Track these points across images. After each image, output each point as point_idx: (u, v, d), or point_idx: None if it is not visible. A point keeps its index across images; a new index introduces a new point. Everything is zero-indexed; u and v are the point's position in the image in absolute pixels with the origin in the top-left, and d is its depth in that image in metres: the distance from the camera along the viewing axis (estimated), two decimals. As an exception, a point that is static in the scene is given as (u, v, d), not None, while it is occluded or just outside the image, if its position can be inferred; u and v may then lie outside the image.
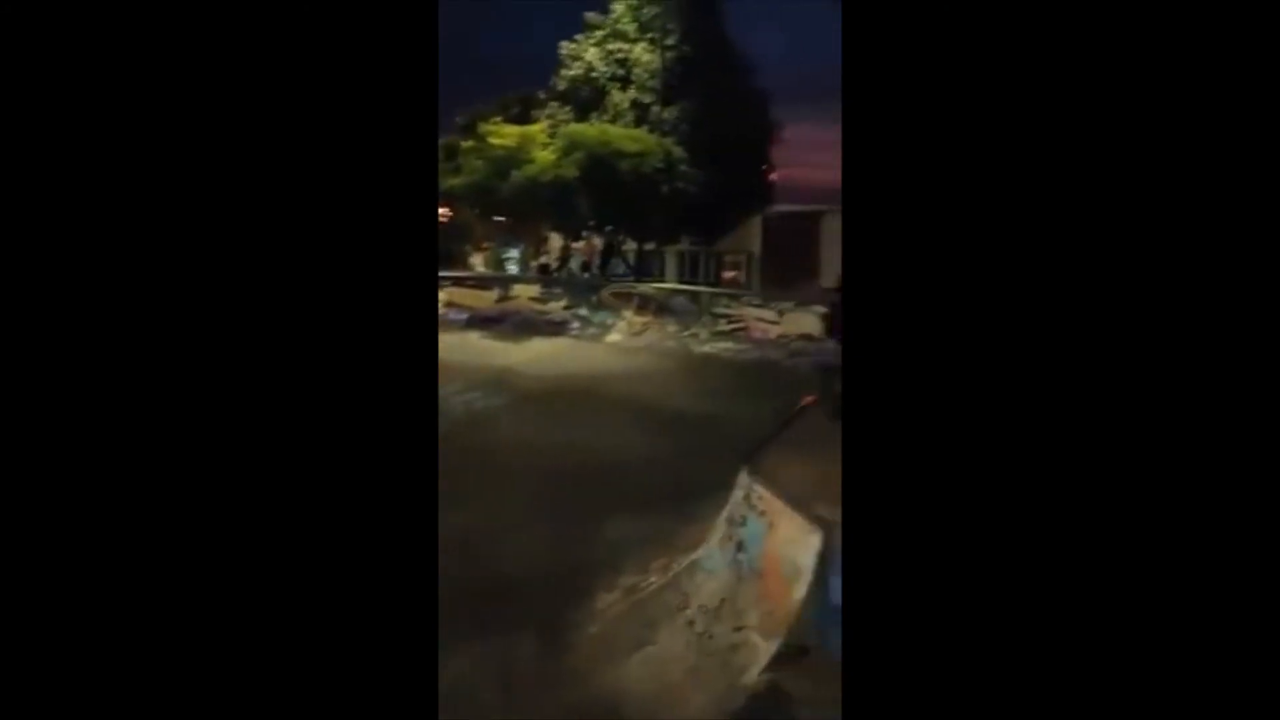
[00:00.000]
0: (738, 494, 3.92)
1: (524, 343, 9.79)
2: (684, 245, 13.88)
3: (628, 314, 10.74)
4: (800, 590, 3.15)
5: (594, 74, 14.43)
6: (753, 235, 14.13)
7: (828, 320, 5.16)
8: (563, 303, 11.19)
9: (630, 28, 14.26)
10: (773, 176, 15.19)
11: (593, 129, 13.39)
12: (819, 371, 5.78)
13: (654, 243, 13.44)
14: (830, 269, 9.47)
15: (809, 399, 5.42)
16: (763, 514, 3.62)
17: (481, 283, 12.26)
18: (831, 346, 5.13)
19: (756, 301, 9.86)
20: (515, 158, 14.06)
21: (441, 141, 15.73)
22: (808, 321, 8.40)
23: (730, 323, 9.75)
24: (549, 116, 15.42)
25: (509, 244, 15.18)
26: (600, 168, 12.49)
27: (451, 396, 6.82)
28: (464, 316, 10.92)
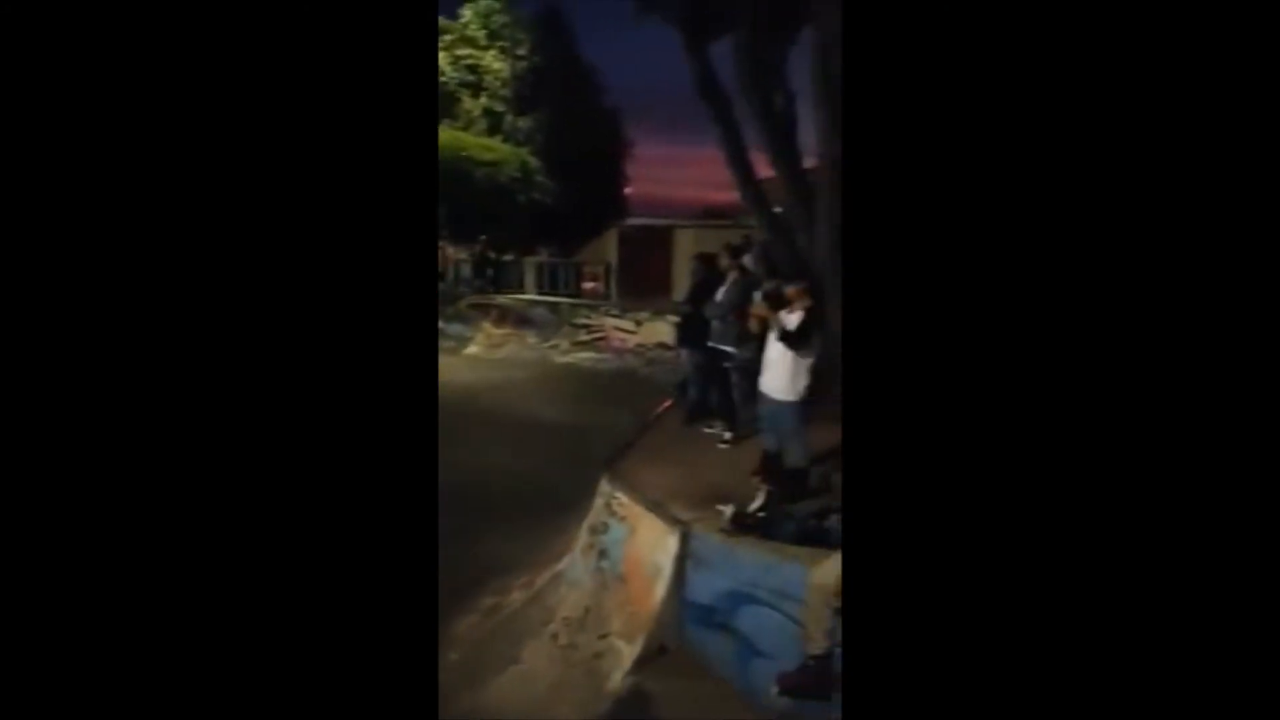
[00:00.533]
0: (599, 501, 3.98)
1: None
2: (542, 256, 13.81)
3: (486, 326, 10.49)
4: (660, 591, 3.26)
5: (442, 79, 13.97)
6: (610, 247, 14.39)
7: (681, 330, 5.38)
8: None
9: (479, 34, 14.00)
10: (627, 190, 15.59)
11: (445, 135, 12.94)
12: (675, 378, 6.01)
13: (512, 254, 13.25)
14: (681, 282, 9.87)
15: (666, 404, 5.62)
16: (623, 519, 3.70)
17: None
18: (685, 355, 5.35)
19: (615, 312, 10.04)
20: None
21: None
22: (664, 331, 8.70)
23: (590, 333, 9.85)
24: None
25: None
26: (454, 175, 12.09)
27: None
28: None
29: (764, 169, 5.58)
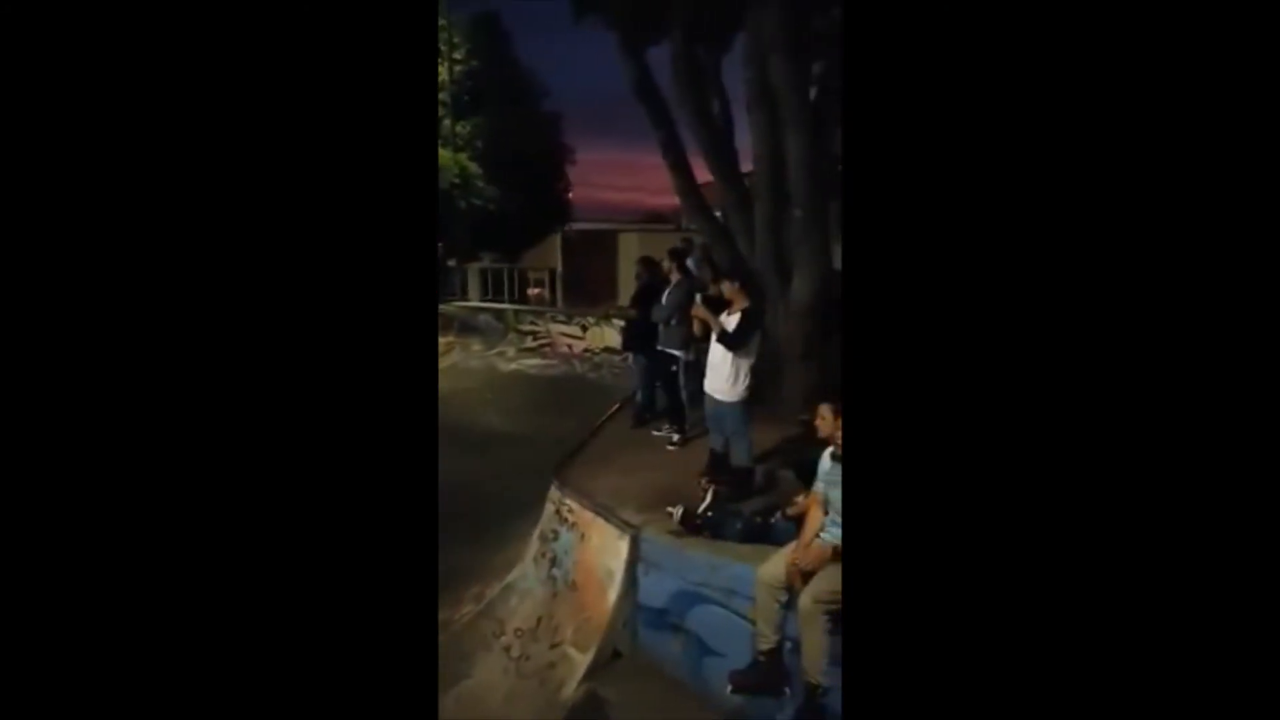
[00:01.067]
0: (549, 509, 3.94)
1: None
2: (485, 263, 13.62)
3: (429, 334, 10.26)
4: (612, 596, 3.26)
5: (378, 83, 13.63)
6: (553, 252, 14.32)
7: (626, 334, 5.40)
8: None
9: (416, 38, 13.72)
10: (569, 195, 15.54)
11: None
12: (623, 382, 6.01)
13: (454, 260, 13.02)
14: (626, 286, 9.90)
15: (612, 409, 5.62)
16: (573, 526, 3.68)
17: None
18: (631, 359, 5.37)
19: (561, 317, 9.98)
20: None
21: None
22: (610, 335, 8.71)
23: (536, 339, 9.76)
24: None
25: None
26: (391, 181, 11.79)
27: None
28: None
29: (704, 173, 5.66)
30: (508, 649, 3.40)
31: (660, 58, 5.46)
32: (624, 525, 3.38)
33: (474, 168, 12.56)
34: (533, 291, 13.81)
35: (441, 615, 3.69)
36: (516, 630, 3.50)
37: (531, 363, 9.39)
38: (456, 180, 12.12)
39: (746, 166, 5.31)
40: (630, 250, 12.26)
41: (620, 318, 7.68)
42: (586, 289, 12.93)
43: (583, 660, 3.14)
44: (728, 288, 3.62)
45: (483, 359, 9.58)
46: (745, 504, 3.37)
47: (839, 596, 2.30)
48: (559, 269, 13.85)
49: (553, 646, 3.32)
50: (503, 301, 11.78)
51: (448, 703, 3.00)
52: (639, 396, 5.23)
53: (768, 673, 2.61)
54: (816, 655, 2.42)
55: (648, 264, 5.25)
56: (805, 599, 2.44)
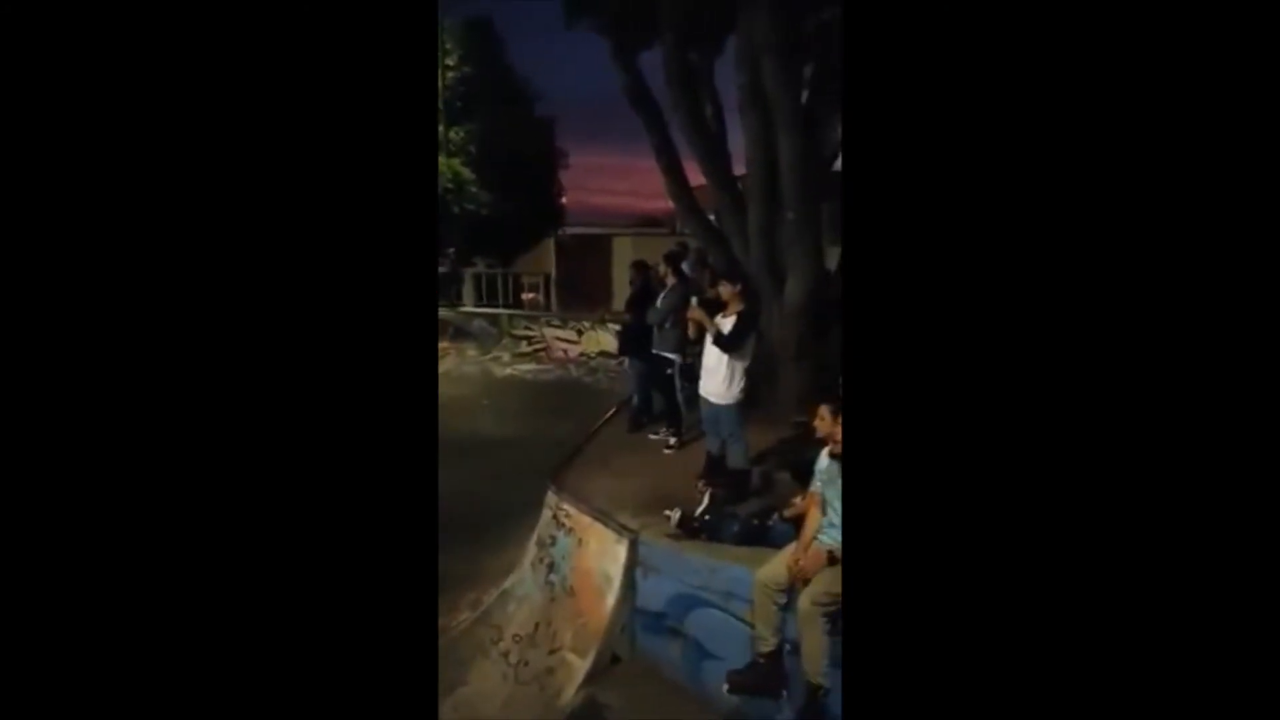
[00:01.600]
0: (546, 514, 3.93)
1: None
2: (480, 268, 13.60)
3: (424, 340, 10.23)
4: (610, 601, 3.24)
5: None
6: (548, 257, 14.32)
7: (621, 338, 5.40)
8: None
9: (408, 44, 13.74)
10: (563, 200, 15.54)
11: None
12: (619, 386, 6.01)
13: (448, 265, 13.01)
14: (621, 290, 9.90)
15: (609, 413, 5.62)
16: (571, 530, 3.67)
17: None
18: (627, 363, 5.37)
19: (556, 322, 9.97)
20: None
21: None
22: (605, 340, 8.70)
23: (531, 344, 9.75)
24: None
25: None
26: (384, 188, 11.79)
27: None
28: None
29: (697, 176, 5.67)
30: (506, 655, 3.39)
31: (653, 61, 5.47)
32: (621, 529, 3.37)
33: (467, 173, 12.56)
34: (527, 296, 13.80)
35: (439, 622, 3.68)
36: (514, 636, 3.48)
37: (527, 368, 9.37)
38: (450, 185, 12.12)
39: (740, 170, 5.31)
40: (625, 254, 12.27)
41: (615, 322, 7.68)
42: (581, 293, 12.93)
43: (581, 665, 3.13)
44: (725, 290, 3.62)
45: (478, 364, 9.56)
46: (742, 506, 3.37)
47: (838, 598, 2.30)
48: (553, 273, 13.83)
49: (551, 652, 3.31)
50: (497, 306, 11.76)
51: (446, 710, 2.98)
52: (635, 400, 5.23)
53: (766, 674, 2.61)
54: (816, 657, 2.42)
55: (642, 268, 5.26)
56: (804, 601, 2.44)
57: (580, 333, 9.41)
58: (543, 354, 9.59)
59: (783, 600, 2.56)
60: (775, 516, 3.05)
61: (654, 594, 3.18)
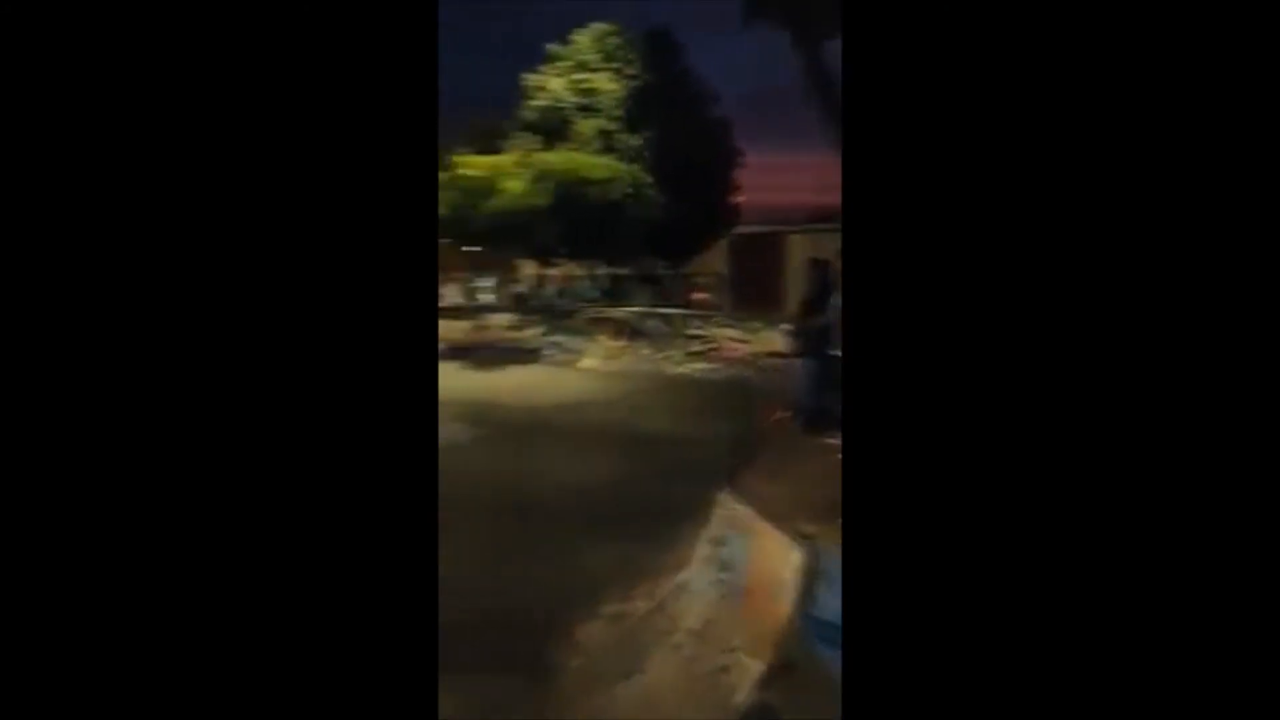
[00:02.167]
0: (718, 513, 3.95)
1: (499, 371, 9.75)
2: (655, 269, 14.01)
3: (602, 339, 10.76)
4: (785, 606, 3.17)
5: (560, 104, 14.62)
6: (720, 257, 14.35)
7: (796, 337, 5.26)
8: (538, 330, 11.20)
9: (592, 58, 14.51)
10: (737, 200, 15.48)
11: (560, 157, 13.54)
12: (792, 387, 5.86)
13: (625, 267, 13.55)
14: (793, 288, 9.64)
15: (783, 414, 5.49)
16: (744, 532, 3.65)
17: (455, 313, 12.20)
18: (800, 364, 5.22)
19: (727, 322, 9.97)
20: (486, 188, 14.14)
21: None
22: (777, 339, 8.52)
23: (703, 343, 9.83)
24: (517, 146, 15.56)
25: (482, 274, 15.17)
26: (569, 195, 12.62)
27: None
28: (439, 347, 10.88)
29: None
30: (679, 648, 3.45)
31: (833, 50, 5.27)
32: (796, 535, 3.29)
33: (645, 177, 13.01)
34: (698, 296, 13.96)
35: (614, 608, 3.85)
36: (688, 630, 3.54)
37: (699, 367, 9.48)
38: (628, 191, 12.64)
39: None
40: (798, 253, 11.93)
41: (788, 321, 7.49)
42: (753, 292, 12.80)
43: (755, 668, 3.10)
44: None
45: (651, 363, 9.85)
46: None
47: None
48: (725, 273, 13.85)
49: (725, 651, 3.32)
50: (671, 306, 12.01)
51: (620, 697, 3.11)
52: (807, 401, 5.07)
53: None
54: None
55: (817, 265, 5.07)
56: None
57: (752, 332, 9.32)
58: (714, 354, 9.64)
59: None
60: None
61: (832, 604, 3.06)
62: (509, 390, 8.66)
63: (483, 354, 10.42)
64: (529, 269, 18.15)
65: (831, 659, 3.05)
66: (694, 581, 3.90)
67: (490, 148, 15.25)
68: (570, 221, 12.61)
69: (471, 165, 14.59)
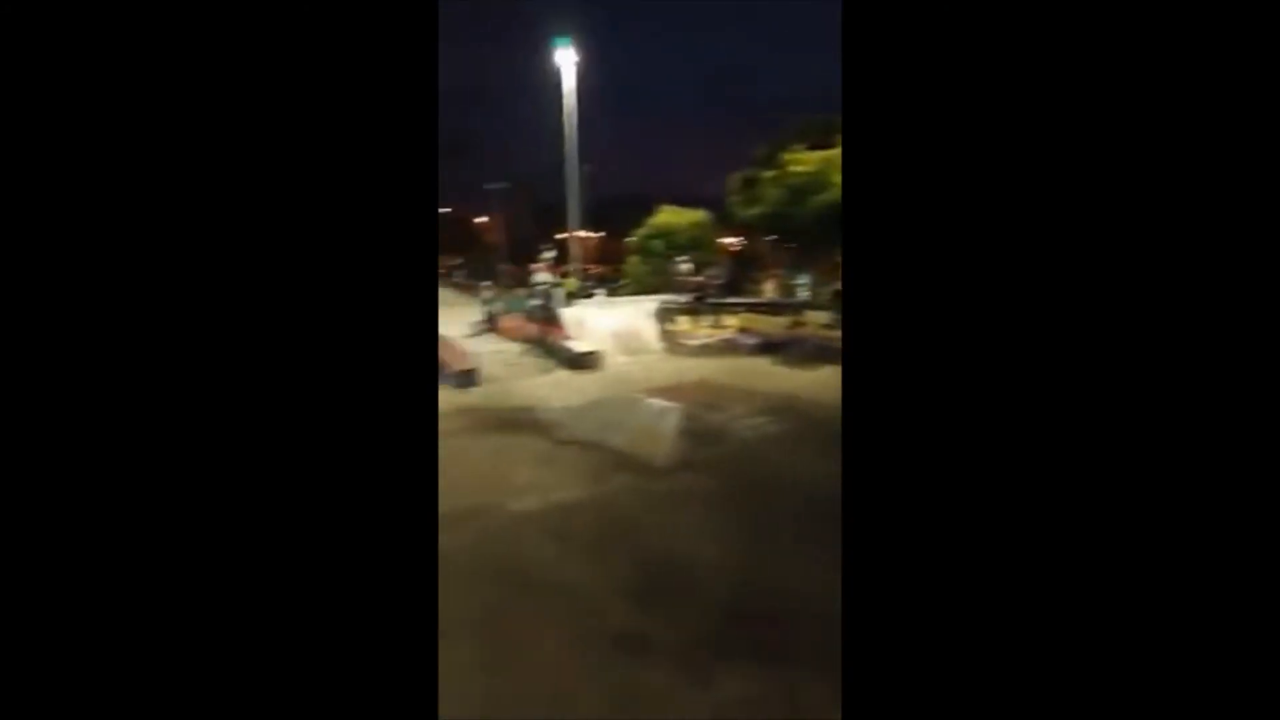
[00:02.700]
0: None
1: (812, 369, 9.77)
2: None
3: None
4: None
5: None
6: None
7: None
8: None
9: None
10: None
11: (822, 156, 12.85)
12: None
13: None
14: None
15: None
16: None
17: (773, 309, 12.55)
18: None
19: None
20: (814, 184, 14.15)
21: (739, 175, 16.56)
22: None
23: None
24: (849, 141, 15.06)
25: (800, 271, 15.27)
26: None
27: (737, 420, 7.16)
28: (754, 341, 11.34)
29: None
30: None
31: None
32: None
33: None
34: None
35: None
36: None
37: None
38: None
39: None
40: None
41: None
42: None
43: None
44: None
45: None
46: None
47: None
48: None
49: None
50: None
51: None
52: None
53: None
54: None
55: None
56: None
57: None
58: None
59: None
60: None
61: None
62: (820, 386, 8.64)
63: (797, 350, 10.54)
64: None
65: None
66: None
67: (824, 143, 15.14)
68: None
69: (802, 161, 14.70)
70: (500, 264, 25.32)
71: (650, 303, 13.63)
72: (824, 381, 9.03)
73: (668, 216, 18.93)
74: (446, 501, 5.17)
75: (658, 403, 7.35)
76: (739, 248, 20.41)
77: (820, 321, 11.35)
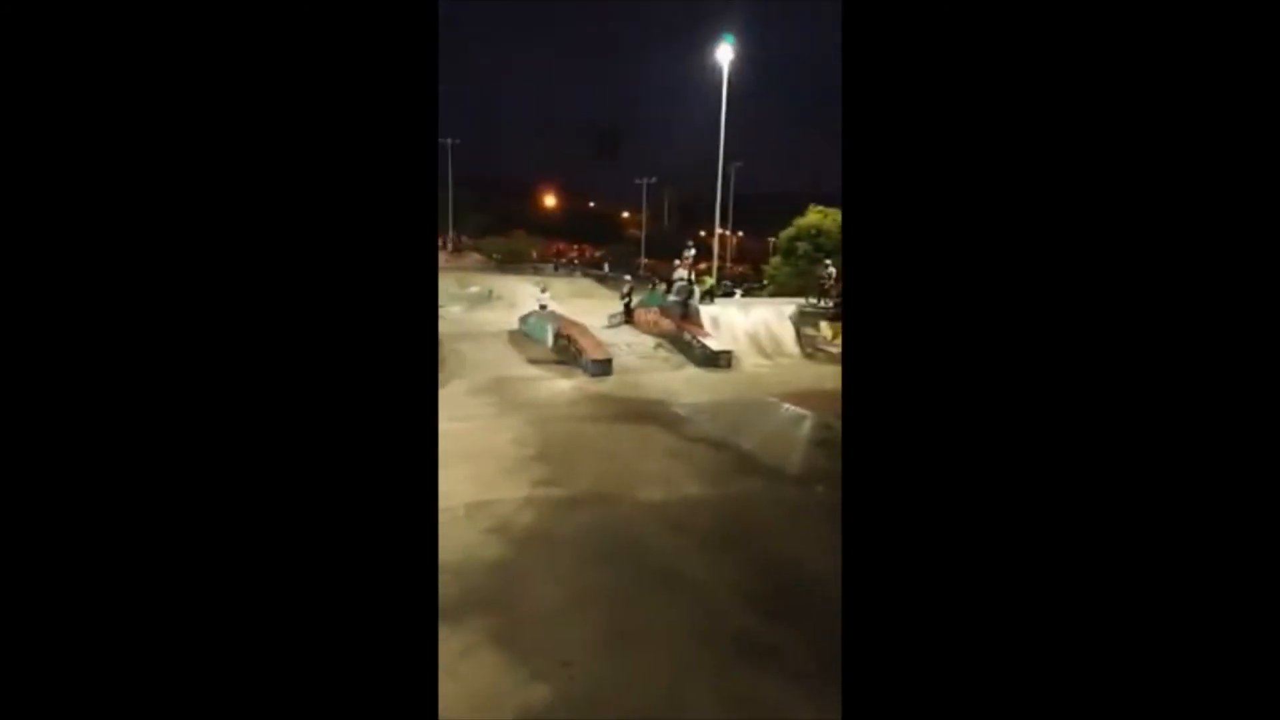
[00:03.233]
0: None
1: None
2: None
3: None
4: None
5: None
6: None
7: None
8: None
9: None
10: None
11: None
12: None
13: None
14: None
15: None
16: None
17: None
18: None
19: None
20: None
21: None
22: None
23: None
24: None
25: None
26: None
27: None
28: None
29: None
30: None
31: None
32: None
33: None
34: None
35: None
36: None
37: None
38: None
39: None
40: None
41: None
42: None
43: None
44: None
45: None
46: None
47: None
48: None
49: None
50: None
51: None
52: None
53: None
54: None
55: None
56: None
57: None
58: None
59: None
60: None
61: None
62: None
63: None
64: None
65: None
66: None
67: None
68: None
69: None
70: (640, 258, 25.81)
71: (789, 306, 13.29)
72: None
73: (816, 217, 18.33)
74: (574, 484, 5.42)
75: (792, 408, 7.13)
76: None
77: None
